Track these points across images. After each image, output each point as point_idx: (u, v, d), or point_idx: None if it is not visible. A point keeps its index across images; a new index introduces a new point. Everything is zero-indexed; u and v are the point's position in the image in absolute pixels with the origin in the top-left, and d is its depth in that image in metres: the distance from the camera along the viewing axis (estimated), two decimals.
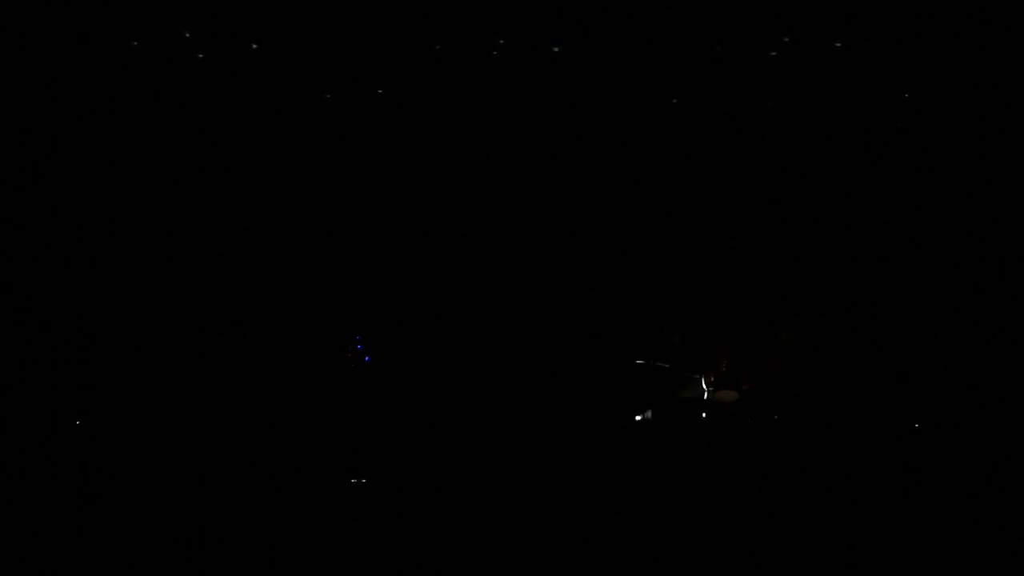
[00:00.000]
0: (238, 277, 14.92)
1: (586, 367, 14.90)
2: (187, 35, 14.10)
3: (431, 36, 14.08)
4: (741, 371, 13.98)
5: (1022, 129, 14.12)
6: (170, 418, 12.45)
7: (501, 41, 13.94)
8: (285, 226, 15.14)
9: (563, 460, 11.99)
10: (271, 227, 15.13)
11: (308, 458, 11.69)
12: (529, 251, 15.31)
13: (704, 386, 13.96)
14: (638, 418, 13.97)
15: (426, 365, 14.65)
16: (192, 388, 13.47)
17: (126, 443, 11.80)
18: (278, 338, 14.60)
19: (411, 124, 15.03)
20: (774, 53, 13.93)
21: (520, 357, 14.88)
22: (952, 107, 14.30)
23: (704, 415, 13.43)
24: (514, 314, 15.18)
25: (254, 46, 14.03)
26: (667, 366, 14.21)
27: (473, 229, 15.30)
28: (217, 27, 14.20)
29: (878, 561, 8.63)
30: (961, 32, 13.72)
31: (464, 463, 11.65)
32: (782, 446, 11.74)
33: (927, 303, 14.56)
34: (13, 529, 9.98)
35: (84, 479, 10.99)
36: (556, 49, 14.06)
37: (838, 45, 13.76)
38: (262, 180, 15.07)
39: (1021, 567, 7.95)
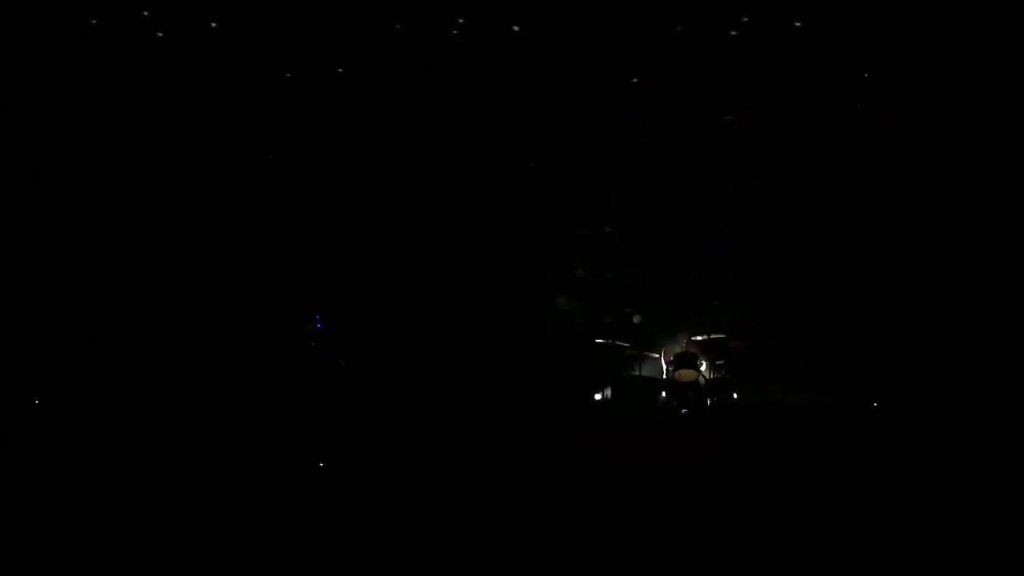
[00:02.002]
0: (207, 267, 14.91)
1: (549, 347, 14.99)
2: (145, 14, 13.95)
3: (391, 16, 13.91)
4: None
5: (993, 113, 14.06)
6: (161, 413, 12.52)
7: (461, 20, 13.86)
8: (254, 215, 15.14)
9: (528, 439, 12.10)
10: (240, 217, 15.13)
11: (305, 457, 11.72)
12: (493, 234, 15.49)
13: (664, 365, 13.97)
14: (598, 396, 14.01)
15: (400, 352, 14.75)
16: (182, 384, 13.53)
17: (111, 435, 11.82)
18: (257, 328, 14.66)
19: (373, 105, 15.09)
20: (734, 32, 13.89)
21: (484, 339, 14.97)
22: (915, 89, 14.31)
23: (663, 394, 13.53)
24: (477, 295, 15.28)
25: (213, 25, 13.88)
26: (627, 345, 14.25)
27: (437, 214, 15.43)
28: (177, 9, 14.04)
29: (874, 560, 8.56)
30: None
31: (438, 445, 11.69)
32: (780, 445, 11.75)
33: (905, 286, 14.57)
34: (13, 529, 9.96)
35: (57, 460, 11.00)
36: (516, 28, 13.92)
37: (798, 25, 13.71)
38: (223, 166, 15.09)
39: (1021, 567, 7.90)
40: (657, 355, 14.42)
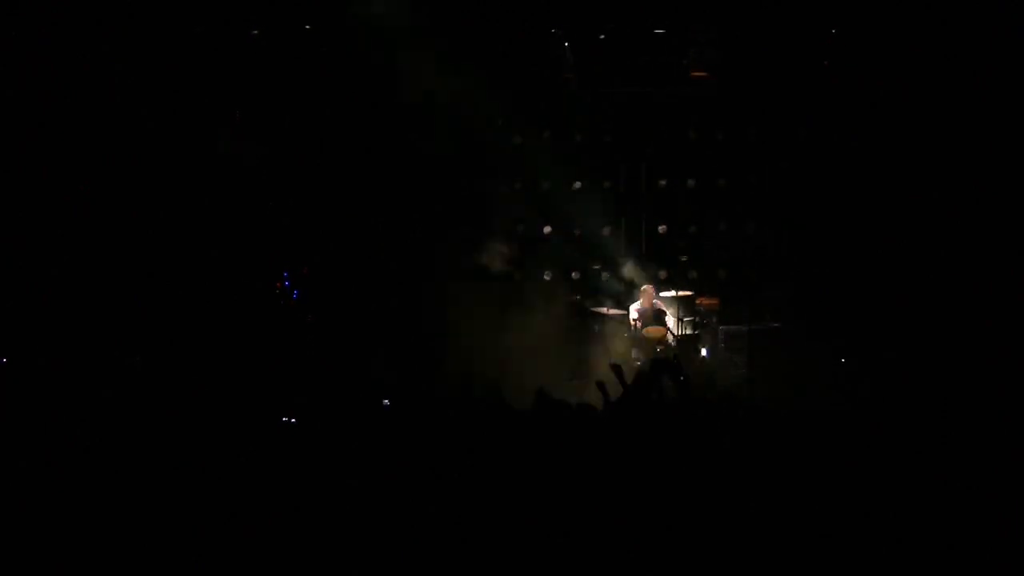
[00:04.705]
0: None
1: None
2: None
3: None
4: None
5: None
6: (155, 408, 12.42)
7: None
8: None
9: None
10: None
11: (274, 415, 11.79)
12: (455, 187, 15.37)
13: (632, 322, 14.20)
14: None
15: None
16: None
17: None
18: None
19: (336, 63, 14.78)
20: None
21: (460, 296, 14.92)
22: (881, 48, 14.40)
23: (633, 354, 13.79)
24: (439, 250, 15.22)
25: None
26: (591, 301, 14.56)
27: (398, 170, 15.24)
28: None
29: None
30: None
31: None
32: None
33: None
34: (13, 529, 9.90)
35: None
36: None
37: None
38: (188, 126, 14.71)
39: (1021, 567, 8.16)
40: (626, 312, 14.56)
